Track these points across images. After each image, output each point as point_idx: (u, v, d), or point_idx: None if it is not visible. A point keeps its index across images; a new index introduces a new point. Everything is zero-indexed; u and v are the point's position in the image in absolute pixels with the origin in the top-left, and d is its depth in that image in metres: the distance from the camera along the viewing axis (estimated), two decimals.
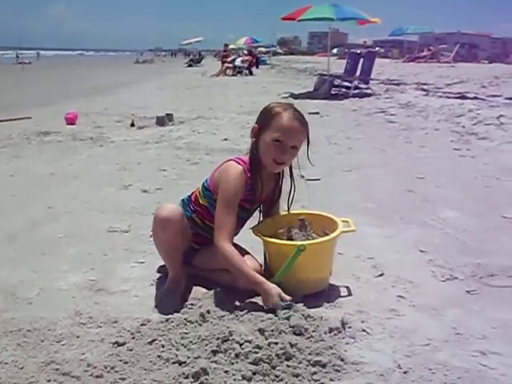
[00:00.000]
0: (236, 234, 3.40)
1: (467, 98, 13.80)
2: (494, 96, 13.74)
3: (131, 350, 2.49)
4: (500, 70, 23.95)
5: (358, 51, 19.53)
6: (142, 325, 2.70)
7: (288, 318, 2.63)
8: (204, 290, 3.11)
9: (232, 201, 3.05)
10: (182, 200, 3.44)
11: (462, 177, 6.18)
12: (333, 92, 16.18)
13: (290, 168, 3.32)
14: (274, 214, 3.44)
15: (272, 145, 3.05)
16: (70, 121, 10.47)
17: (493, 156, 7.30)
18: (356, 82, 16.54)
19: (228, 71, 30.42)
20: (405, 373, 2.35)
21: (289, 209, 3.41)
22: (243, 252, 3.20)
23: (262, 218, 3.43)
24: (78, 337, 2.65)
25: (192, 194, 3.40)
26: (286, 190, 3.36)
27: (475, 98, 13.72)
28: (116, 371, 2.35)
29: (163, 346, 2.49)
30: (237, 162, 3.15)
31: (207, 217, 3.26)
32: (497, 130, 9.20)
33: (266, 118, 3.10)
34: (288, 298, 2.77)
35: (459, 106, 12.27)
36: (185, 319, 2.68)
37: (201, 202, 3.28)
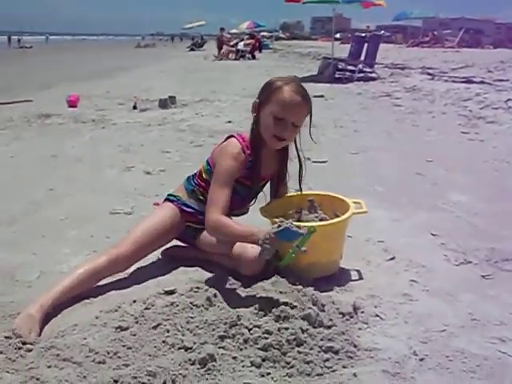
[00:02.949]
0: (244, 213, 3.34)
1: (473, 82, 13.63)
2: (500, 80, 13.57)
3: (135, 335, 2.38)
4: (505, 55, 23.70)
5: (363, 34, 19.37)
6: (145, 309, 2.59)
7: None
8: (209, 274, 3.02)
9: (226, 179, 2.96)
10: (188, 176, 3.37)
11: (471, 160, 6.07)
12: (337, 76, 15.99)
13: (297, 147, 3.22)
14: (282, 195, 3.34)
15: (272, 120, 2.96)
16: (72, 103, 10.36)
17: (502, 140, 7.20)
18: (360, 66, 16.37)
19: (231, 55, 30.23)
20: (421, 360, 2.26)
21: (301, 189, 3.31)
22: None
23: (269, 199, 3.33)
24: (79, 321, 2.54)
25: (198, 170, 3.31)
26: (294, 171, 3.25)
27: (482, 82, 13.55)
28: (119, 357, 2.25)
29: (168, 331, 2.38)
30: (237, 140, 3.06)
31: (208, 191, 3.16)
32: (505, 114, 9.08)
33: (267, 92, 3.00)
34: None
35: (465, 90, 12.13)
36: (190, 303, 2.57)
37: (204, 176, 3.20)
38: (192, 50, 45.56)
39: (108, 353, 2.27)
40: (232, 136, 3.12)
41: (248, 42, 31.71)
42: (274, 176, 3.29)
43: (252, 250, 2.89)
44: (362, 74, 16.01)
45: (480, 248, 3.51)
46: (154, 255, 3.30)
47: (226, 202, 2.92)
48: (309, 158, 5.80)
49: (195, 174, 3.32)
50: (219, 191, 2.93)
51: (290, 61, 27.25)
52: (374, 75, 16.15)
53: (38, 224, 3.98)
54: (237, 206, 3.23)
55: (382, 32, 28.30)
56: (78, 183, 5.08)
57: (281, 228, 2.59)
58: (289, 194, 3.36)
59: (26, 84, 15.02)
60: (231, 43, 33.25)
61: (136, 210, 4.27)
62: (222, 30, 35.10)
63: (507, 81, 13.29)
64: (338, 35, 50.71)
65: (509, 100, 10.14)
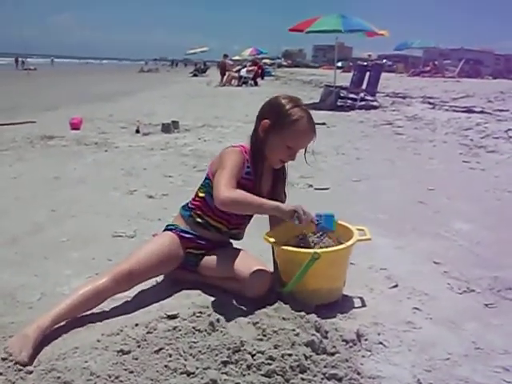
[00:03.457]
0: (240, 238, 3.42)
1: (474, 111, 13.69)
2: (500, 110, 13.62)
3: (137, 359, 2.35)
4: (505, 85, 23.81)
5: (365, 63, 19.50)
6: (148, 333, 2.56)
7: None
8: (212, 298, 3.01)
9: (233, 167, 2.97)
10: (183, 205, 3.38)
11: (473, 189, 6.08)
12: (339, 103, 16.09)
13: None
14: (280, 221, 3.31)
15: (283, 148, 3.05)
16: (75, 126, 10.40)
17: (503, 169, 7.21)
18: (362, 94, 16.46)
19: (233, 81, 30.39)
20: None
21: (285, 195, 3.36)
22: (251, 258, 3.13)
23: (269, 222, 3.33)
24: (80, 344, 2.52)
25: (192, 197, 3.35)
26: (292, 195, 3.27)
27: (482, 111, 13.61)
28: (121, 381, 2.22)
29: (170, 356, 2.35)
30: (235, 145, 3.14)
31: (206, 210, 3.20)
32: (506, 144, 9.12)
33: (282, 119, 3.02)
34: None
35: (466, 119, 12.19)
36: (193, 328, 2.55)
37: (200, 194, 3.23)
38: (195, 75, 45.79)
39: (109, 376, 2.24)
40: (230, 146, 3.18)
41: (250, 68, 31.87)
42: (269, 195, 3.24)
43: (258, 271, 2.89)
44: (363, 103, 16.09)
45: (483, 277, 3.49)
46: (157, 278, 3.29)
47: (234, 184, 2.90)
48: (311, 185, 5.86)
49: (190, 201, 3.34)
50: (225, 174, 2.91)
51: (292, 88, 27.34)
52: (375, 103, 16.22)
53: (39, 245, 3.97)
54: (233, 223, 3.26)
55: (384, 61, 28.49)
56: (81, 205, 5.06)
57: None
58: None
59: (30, 105, 15.07)
60: (234, 69, 33.43)
61: (138, 233, 4.25)
62: (226, 56, 35.30)
63: (507, 111, 13.35)
64: (339, 63, 51.00)
65: (509, 130, 10.18)
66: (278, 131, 3.02)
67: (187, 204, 3.33)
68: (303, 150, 3.15)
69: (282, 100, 3.10)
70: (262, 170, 3.14)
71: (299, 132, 3.01)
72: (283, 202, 3.26)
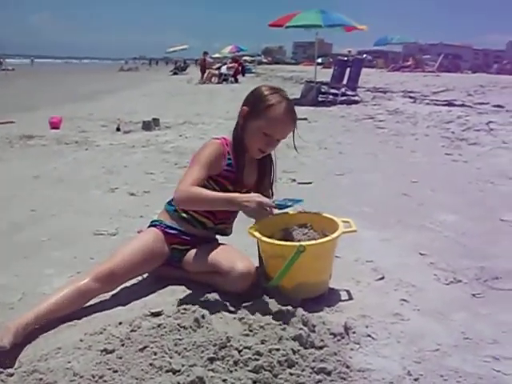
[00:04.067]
0: (226, 233, 3.38)
1: (455, 105, 13.77)
2: (481, 103, 13.72)
3: (121, 358, 2.30)
4: (484, 79, 24.03)
5: (345, 58, 19.52)
6: (132, 331, 2.51)
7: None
8: (197, 294, 2.95)
9: (203, 162, 2.97)
10: (168, 201, 3.31)
11: (456, 181, 6.08)
12: (320, 99, 16.09)
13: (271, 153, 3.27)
14: None
15: (260, 135, 3.01)
16: (55, 125, 10.32)
17: (485, 161, 7.23)
18: (343, 89, 16.46)
19: (213, 79, 30.31)
20: (415, 380, 2.21)
21: (272, 192, 3.32)
22: (235, 252, 3.09)
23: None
24: (63, 344, 2.46)
25: None
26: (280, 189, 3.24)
27: (463, 105, 13.69)
28: (104, 381, 2.17)
29: (155, 354, 2.30)
30: (217, 138, 3.12)
31: None
32: (487, 136, 9.16)
33: (259, 105, 3.00)
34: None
35: (447, 112, 12.25)
36: (178, 325, 2.50)
37: None
38: (175, 73, 45.64)
39: (93, 376, 2.19)
40: (212, 138, 3.15)
41: (231, 65, 31.78)
42: (255, 187, 3.23)
43: (241, 265, 2.85)
44: (344, 98, 16.11)
45: (469, 267, 3.48)
46: (140, 277, 3.24)
47: (198, 180, 2.90)
48: (294, 180, 5.82)
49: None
50: (193, 169, 2.94)
51: (272, 84, 27.27)
52: (356, 98, 16.25)
53: (19, 245, 3.90)
54: (219, 218, 3.22)
55: (365, 56, 28.51)
56: (61, 204, 4.99)
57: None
58: (277, 213, 3.30)
59: (8, 106, 14.88)
60: (214, 67, 33.35)
61: (120, 231, 4.20)
62: (206, 53, 35.22)
63: (487, 104, 13.44)
64: (319, 60, 51.04)
65: (490, 122, 10.25)
66: (255, 117, 3.00)
67: (172, 199, 3.26)
68: (282, 139, 3.08)
69: (263, 87, 3.10)
70: (244, 161, 3.10)
71: (275, 118, 2.96)
72: (269, 197, 3.23)
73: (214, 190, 3.04)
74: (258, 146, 3.05)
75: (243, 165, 3.09)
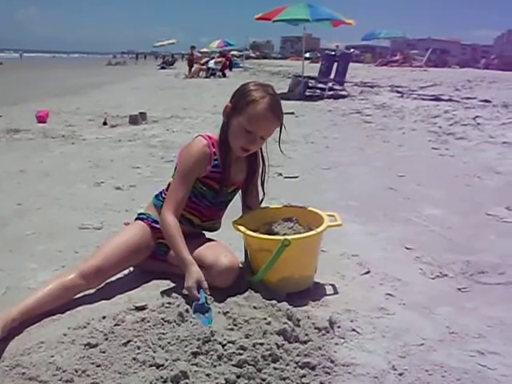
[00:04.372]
0: (216, 229, 3.33)
1: (442, 99, 13.78)
2: (468, 98, 13.74)
3: (104, 352, 2.28)
4: (472, 74, 24.08)
5: (333, 53, 19.50)
6: (115, 325, 2.49)
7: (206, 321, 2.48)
8: (182, 288, 2.92)
9: (187, 171, 2.95)
10: (156, 194, 3.30)
11: (442, 175, 6.09)
12: (307, 93, 16.09)
13: (261, 149, 3.19)
14: (253, 204, 3.27)
15: (241, 132, 2.91)
16: (41, 119, 10.26)
17: (472, 155, 7.24)
18: (331, 84, 16.46)
19: (201, 73, 30.24)
20: (400, 375, 2.21)
21: (264, 192, 3.27)
22: (219, 247, 3.08)
23: (242, 208, 3.27)
24: (46, 338, 2.44)
25: (166, 185, 3.25)
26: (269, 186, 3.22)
27: (450, 100, 13.70)
28: (88, 375, 2.15)
29: (139, 348, 2.29)
30: (203, 137, 3.02)
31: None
32: (474, 130, 9.17)
33: (241, 101, 2.92)
34: (205, 291, 2.66)
35: (434, 107, 12.26)
36: (162, 319, 2.48)
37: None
38: (163, 68, 45.53)
39: (76, 371, 2.17)
40: (199, 135, 3.07)
41: (219, 60, 31.69)
42: (244, 183, 3.22)
43: (225, 259, 2.84)
44: (332, 92, 16.09)
45: (455, 261, 3.48)
46: (125, 271, 3.22)
47: (183, 198, 2.95)
48: (280, 174, 5.81)
49: (163, 190, 3.25)
50: (178, 185, 2.95)
51: (260, 79, 27.16)
52: (344, 93, 16.24)
53: (4, 239, 3.87)
54: (206, 216, 3.19)
55: (352, 50, 28.53)
56: (47, 198, 4.96)
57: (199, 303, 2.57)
58: (262, 207, 3.29)
59: None
60: (202, 61, 33.27)
61: (105, 225, 4.17)
62: (193, 48, 35.14)
63: (474, 98, 13.46)
64: (307, 54, 51.04)
65: (477, 117, 10.27)
66: (237, 114, 2.92)
67: (160, 193, 3.25)
68: (266, 137, 2.99)
69: (250, 83, 3.02)
70: (230, 160, 3.04)
71: (256, 114, 2.86)
72: (254, 198, 3.26)
73: (201, 189, 3.05)
74: (240, 143, 2.95)
75: (229, 164, 3.03)
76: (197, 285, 2.67)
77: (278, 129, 3.03)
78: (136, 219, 3.26)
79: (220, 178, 3.03)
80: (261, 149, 3.17)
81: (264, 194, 3.27)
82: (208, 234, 3.31)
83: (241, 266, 3.04)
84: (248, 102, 2.88)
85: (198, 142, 3.00)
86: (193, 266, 2.75)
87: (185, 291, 2.72)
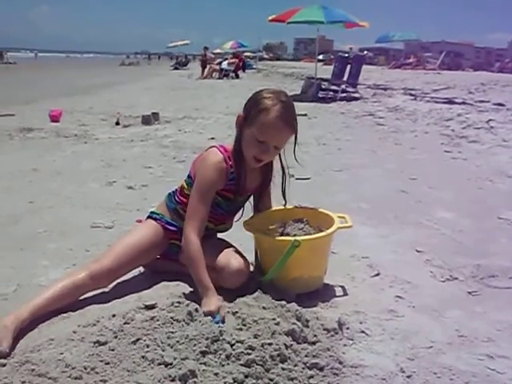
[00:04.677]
0: (228, 229, 3.29)
1: (455, 102, 13.75)
2: (481, 101, 13.70)
3: (113, 350, 2.29)
4: (486, 77, 24.02)
5: (346, 55, 19.47)
6: (125, 323, 2.50)
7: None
8: (191, 288, 2.94)
9: (206, 189, 2.88)
10: (169, 193, 3.27)
11: (454, 178, 6.07)
12: (320, 95, 16.03)
13: (281, 159, 3.12)
14: (265, 208, 3.25)
15: (254, 142, 2.84)
16: (54, 118, 10.30)
17: (484, 159, 7.22)
18: (344, 86, 16.43)
19: (214, 74, 30.26)
20: (408, 377, 2.20)
21: (285, 200, 3.23)
22: (231, 248, 3.07)
23: (253, 213, 3.25)
24: (56, 335, 2.45)
25: (179, 186, 3.23)
26: (278, 183, 3.20)
27: (463, 103, 13.67)
28: (96, 372, 2.16)
29: (148, 346, 2.29)
30: (218, 150, 2.96)
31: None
32: (487, 134, 9.15)
33: (253, 109, 2.85)
34: (222, 316, 2.56)
35: (447, 110, 12.23)
36: (171, 318, 2.49)
37: (186, 192, 3.10)
38: (176, 68, 45.60)
39: (85, 368, 2.18)
40: (213, 146, 3.03)
41: (232, 61, 31.72)
42: (258, 189, 3.21)
43: (235, 262, 2.84)
44: (344, 94, 16.05)
45: (466, 265, 3.47)
46: (135, 270, 3.22)
47: (205, 215, 2.87)
48: (292, 175, 5.74)
49: (176, 190, 3.23)
50: (199, 204, 2.86)
51: (273, 80, 27.25)
52: (356, 95, 16.20)
53: (16, 237, 3.89)
54: (220, 220, 3.18)
55: (366, 52, 28.47)
56: (59, 197, 4.98)
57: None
58: (273, 208, 3.29)
59: (8, 99, 14.85)
60: (215, 62, 33.30)
61: (117, 224, 4.19)
62: (206, 49, 35.18)
63: (488, 102, 13.41)
64: (320, 56, 50.99)
65: (490, 120, 10.23)
66: (249, 123, 2.85)
67: (174, 195, 3.21)
68: (279, 146, 2.92)
69: (263, 91, 2.92)
70: (245, 171, 2.99)
71: (267, 123, 2.77)
72: (266, 204, 3.26)
73: (217, 200, 3.01)
74: (252, 153, 2.88)
75: (244, 175, 2.99)
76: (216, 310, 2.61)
77: (294, 137, 2.97)
78: (148, 217, 3.25)
79: (235, 189, 3.01)
80: (280, 158, 3.10)
81: (286, 201, 3.24)
82: (219, 234, 3.32)
83: (251, 266, 3.05)
84: (259, 111, 2.80)
85: (214, 157, 2.93)
86: (213, 294, 2.68)
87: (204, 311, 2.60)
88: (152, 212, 3.26)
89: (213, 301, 2.63)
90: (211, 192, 2.90)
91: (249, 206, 3.27)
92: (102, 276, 2.84)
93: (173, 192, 3.25)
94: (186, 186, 3.12)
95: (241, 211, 3.27)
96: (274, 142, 2.86)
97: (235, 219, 3.29)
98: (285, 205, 3.24)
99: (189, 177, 3.11)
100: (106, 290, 2.96)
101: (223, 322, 2.50)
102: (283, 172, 3.19)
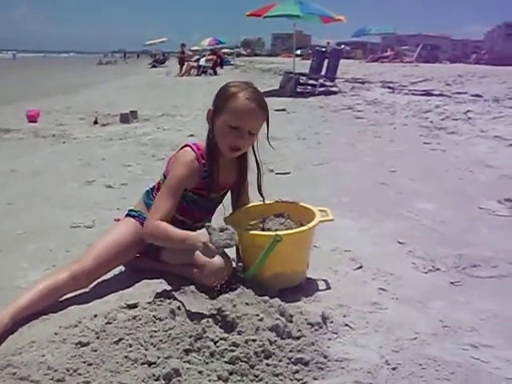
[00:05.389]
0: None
1: (433, 94, 13.78)
2: (459, 93, 13.74)
3: (96, 351, 2.27)
4: (462, 69, 24.03)
5: (323, 49, 19.47)
6: (107, 323, 2.48)
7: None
8: (173, 286, 2.93)
9: (175, 186, 2.88)
10: (147, 191, 3.27)
11: (434, 170, 6.09)
12: (298, 90, 16.03)
13: (254, 153, 3.12)
14: (243, 205, 3.24)
15: (227, 130, 2.85)
16: (32, 118, 10.22)
17: (463, 149, 7.25)
18: (322, 80, 16.43)
19: (192, 71, 30.18)
20: (394, 369, 2.20)
21: (262, 197, 3.21)
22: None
23: (232, 210, 3.24)
24: (37, 338, 2.42)
25: (156, 183, 3.22)
26: (255, 179, 3.18)
27: (441, 94, 13.70)
28: (79, 374, 2.14)
29: (131, 346, 2.28)
30: (192, 148, 2.96)
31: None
32: (465, 125, 9.18)
33: (221, 99, 2.89)
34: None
35: (426, 102, 12.25)
36: (153, 316, 2.47)
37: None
38: (154, 66, 45.39)
39: (68, 370, 2.16)
40: (187, 145, 3.02)
41: (210, 57, 31.64)
42: (235, 186, 3.20)
43: (218, 259, 2.82)
44: (323, 88, 16.06)
45: (448, 255, 3.48)
46: (116, 269, 3.19)
47: (169, 210, 2.85)
48: (272, 170, 5.80)
49: (153, 187, 3.24)
50: (165, 199, 2.86)
51: (251, 76, 27.14)
52: (335, 89, 16.21)
53: None
54: (197, 218, 3.16)
55: (343, 46, 28.49)
56: (38, 197, 4.93)
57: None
58: (253, 204, 3.27)
59: None
60: (193, 59, 33.20)
61: (97, 223, 4.15)
62: (183, 46, 35.04)
63: (465, 93, 13.46)
64: (298, 52, 50.99)
65: (468, 111, 10.27)
66: (220, 113, 2.88)
67: (151, 192, 3.22)
68: (253, 131, 2.91)
69: (227, 83, 2.97)
70: (218, 167, 2.98)
71: (238, 107, 2.81)
72: (244, 201, 3.26)
73: (192, 197, 3.02)
74: (227, 142, 2.89)
75: (217, 172, 2.98)
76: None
77: (266, 125, 2.97)
78: (126, 216, 3.23)
79: (208, 187, 3.00)
80: (254, 152, 3.11)
81: (263, 198, 3.23)
82: None
83: (233, 262, 3.03)
84: (227, 98, 2.84)
85: (186, 156, 2.94)
86: (197, 234, 2.66)
87: (200, 251, 2.60)
88: (130, 210, 3.24)
89: (203, 234, 2.60)
90: (180, 189, 2.90)
91: (229, 203, 3.25)
92: (82, 276, 2.81)
93: (150, 189, 3.25)
94: (162, 183, 3.10)
95: (220, 209, 3.26)
96: (248, 127, 2.87)
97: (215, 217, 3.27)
98: (263, 201, 3.23)
99: (164, 175, 3.10)
100: (87, 290, 2.93)
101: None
102: (258, 167, 3.17)
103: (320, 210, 3.03)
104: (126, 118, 10.18)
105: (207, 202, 3.12)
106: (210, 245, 2.52)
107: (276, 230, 2.93)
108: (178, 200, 2.90)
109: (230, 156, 2.98)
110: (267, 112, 2.93)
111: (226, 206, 3.26)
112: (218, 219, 3.12)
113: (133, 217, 3.17)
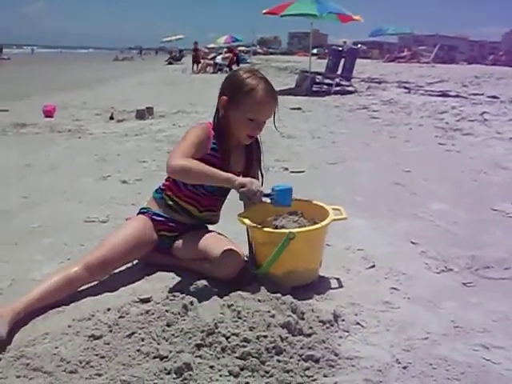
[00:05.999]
0: (214, 220, 3.34)
1: (449, 95, 13.75)
2: (475, 94, 13.70)
3: (108, 344, 2.29)
4: (479, 70, 23.98)
5: (340, 48, 19.44)
6: (120, 317, 2.50)
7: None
8: (186, 281, 2.94)
9: (191, 139, 2.93)
10: (156, 189, 3.32)
11: (449, 171, 6.08)
12: (314, 89, 16.02)
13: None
14: None
15: (246, 122, 2.97)
16: (48, 113, 10.26)
17: (478, 151, 7.23)
18: (338, 79, 16.42)
19: (208, 68, 30.22)
20: (404, 368, 2.20)
21: (262, 173, 3.28)
22: (224, 238, 3.09)
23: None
24: (50, 329, 2.45)
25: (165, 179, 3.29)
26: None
27: (457, 95, 13.68)
28: (91, 366, 2.16)
29: (143, 340, 2.30)
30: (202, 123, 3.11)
31: (175, 190, 3.15)
32: (481, 126, 9.16)
33: (238, 92, 2.97)
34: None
35: (442, 103, 12.22)
36: (166, 311, 2.49)
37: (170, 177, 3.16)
38: (170, 63, 45.44)
39: (80, 362, 2.18)
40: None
41: (226, 55, 31.66)
42: (243, 174, 3.19)
43: (229, 251, 2.85)
44: (339, 88, 16.03)
45: (461, 256, 3.47)
46: (129, 263, 3.22)
47: (191, 153, 2.84)
48: (287, 168, 5.81)
49: (163, 183, 3.29)
50: (182, 145, 2.88)
51: (267, 74, 26.57)
52: (351, 88, 16.18)
53: (10, 232, 3.88)
54: (204, 203, 3.19)
55: (359, 46, 28.42)
56: (53, 192, 4.96)
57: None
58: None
59: (3, 94, 14.79)
60: (209, 57, 33.21)
61: (111, 218, 4.18)
62: (196, 43, 35.03)
63: (482, 95, 13.42)
64: (315, 50, 50.89)
65: (484, 113, 10.24)
66: (236, 106, 2.97)
67: (160, 186, 3.28)
68: (267, 119, 3.05)
69: (238, 72, 3.10)
70: (229, 147, 3.08)
71: (256, 102, 2.94)
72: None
73: None
74: (246, 132, 3.01)
75: (229, 151, 3.07)
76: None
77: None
78: (138, 214, 3.27)
79: (219, 164, 2.99)
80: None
81: (262, 175, 3.29)
82: (211, 227, 3.32)
83: (246, 258, 3.04)
84: (246, 93, 2.94)
85: (199, 124, 3.10)
86: (233, 176, 2.80)
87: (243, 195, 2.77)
88: (141, 208, 3.30)
89: (248, 182, 2.76)
90: (195, 144, 2.91)
91: (236, 201, 3.24)
92: (95, 268, 2.84)
93: (158, 186, 3.31)
94: (171, 180, 3.18)
95: (224, 203, 3.33)
96: (265, 118, 3.03)
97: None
98: (262, 176, 3.27)
99: None
100: (101, 283, 2.96)
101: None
102: (258, 146, 3.30)
103: (334, 209, 3.04)
104: (141, 115, 10.21)
105: (215, 189, 3.13)
106: (254, 186, 2.72)
107: (289, 227, 2.94)
108: (195, 152, 2.87)
109: (245, 142, 3.11)
110: (278, 100, 3.06)
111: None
112: (232, 216, 3.12)
113: (142, 213, 3.22)
